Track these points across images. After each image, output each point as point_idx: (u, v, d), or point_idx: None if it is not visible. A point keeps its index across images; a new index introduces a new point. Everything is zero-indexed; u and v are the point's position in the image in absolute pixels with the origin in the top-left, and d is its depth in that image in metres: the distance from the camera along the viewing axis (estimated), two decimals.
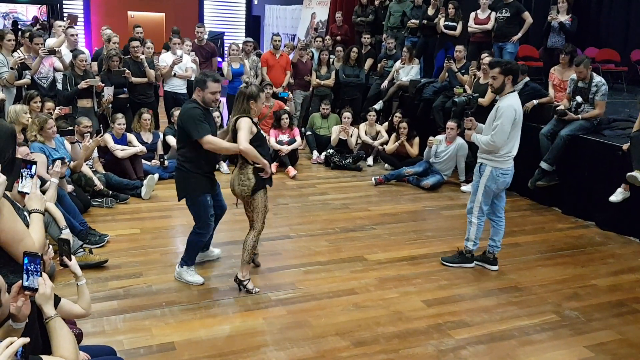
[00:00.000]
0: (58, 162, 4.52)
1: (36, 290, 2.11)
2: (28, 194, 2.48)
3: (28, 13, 18.85)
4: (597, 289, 4.68)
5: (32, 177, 2.51)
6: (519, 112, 4.58)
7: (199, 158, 4.32)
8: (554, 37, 8.38)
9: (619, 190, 5.62)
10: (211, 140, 4.21)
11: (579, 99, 6.30)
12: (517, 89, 6.84)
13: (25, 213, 2.38)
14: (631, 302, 4.46)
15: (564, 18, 8.23)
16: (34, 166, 2.54)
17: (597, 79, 6.29)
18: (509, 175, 4.72)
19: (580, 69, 6.20)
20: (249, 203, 4.30)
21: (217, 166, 7.78)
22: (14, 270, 2.20)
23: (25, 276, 2.09)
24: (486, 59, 7.16)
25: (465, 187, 7.33)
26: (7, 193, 2.34)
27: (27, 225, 2.31)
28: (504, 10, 8.34)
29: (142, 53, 8.26)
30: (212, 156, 4.39)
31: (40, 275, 2.12)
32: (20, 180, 2.49)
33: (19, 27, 15.72)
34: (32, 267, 2.10)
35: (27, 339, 1.78)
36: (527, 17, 8.30)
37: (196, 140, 4.19)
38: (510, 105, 4.54)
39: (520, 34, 8.34)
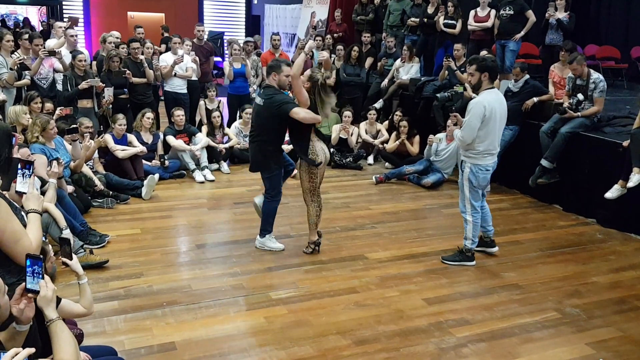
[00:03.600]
0: (54, 163, 4.51)
1: (38, 292, 2.09)
2: (25, 193, 2.48)
3: (28, 14, 18.85)
4: (598, 286, 4.67)
5: (29, 177, 2.51)
6: (489, 109, 4.56)
7: (279, 138, 4.97)
8: (552, 34, 8.37)
9: (615, 186, 5.60)
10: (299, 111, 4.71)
11: (580, 96, 6.29)
12: (518, 86, 6.90)
13: (23, 213, 2.38)
14: (632, 299, 4.45)
15: (561, 15, 8.21)
16: (31, 166, 2.54)
17: (595, 75, 6.28)
18: (489, 172, 4.81)
19: (574, 66, 6.20)
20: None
21: (218, 166, 7.80)
22: (10, 271, 2.19)
23: (27, 278, 2.08)
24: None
25: None
26: (5, 193, 2.34)
27: (25, 225, 2.30)
28: (507, 8, 8.31)
29: (142, 54, 8.26)
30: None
31: (42, 278, 2.11)
32: (18, 180, 2.49)
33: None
34: (34, 269, 2.09)
35: (32, 350, 1.77)
36: (531, 15, 8.28)
37: (280, 122, 4.78)
38: (480, 102, 4.57)
39: (523, 32, 8.32)
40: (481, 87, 4.67)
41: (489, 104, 4.57)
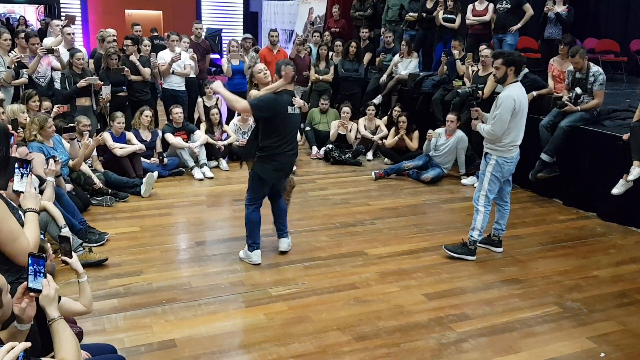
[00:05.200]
0: (51, 161, 4.51)
1: (40, 291, 2.08)
2: (23, 192, 2.47)
3: (26, 13, 18.80)
4: (599, 280, 4.67)
5: (27, 176, 2.50)
6: (518, 102, 4.62)
7: None
8: (551, 28, 8.34)
9: (621, 181, 5.57)
10: None
11: (578, 90, 6.28)
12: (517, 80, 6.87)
13: (20, 212, 2.37)
14: (633, 293, 4.44)
15: (560, 9, 8.19)
16: (29, 165, 2.52)
17: (595, 68, 6.26)
18: (513, 163, 4.86)
19: (576, 59, 6.17)
20: None
21: (217, 163, 7.79)
22: (8, 270, 2.18)
23: (29, 277, 2.07)
24: (484, 51, 7.14)
25: (465, 180, 7.32)
26: (2, 192, 2.33)
27: (22, 225, 2.29)
28: (504, 2, 8.29)
29: (139, 51, 8.24)
30: None
31: (45, 277, 2.10)
32: (15, 179, 2.48)
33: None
34: (36, 268, 2.08)
35: (28, 344, 1.76)
36: (528, 8, 8.26)
37: None
38: (509, 95, 4.61)
39: (519, 25, 8.29)
40: (507, 80, 4.70)
41: (518, 97, 4.63)
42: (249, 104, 4.52)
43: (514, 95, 4.61)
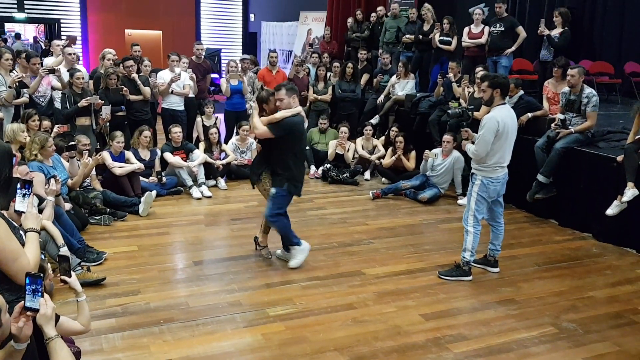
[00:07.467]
0: (52, 180, 4.54)
1: (37, 310, 2.11)
2: (24, 212, 2.50)
3: (26, 32, 18.96)
4: (595, 301, 4.69)
5: (28, 196, 2.54)
6: (502, 124, 4.69)
7: None
8: (544, 49, 8.45)
9: (615, 202, 5.63)
10: None
11: (560, 116, 6.39)
12: (512, 102, 6.95)
13: (21, 232, 2.40)
14: (629, 314, 4.46)
15: (555, 32, 8.30)
16: (30, 186, 2.56)
17: (588, 90, 6.34)
18: (500, 183, 4.89)
19: (573, 72, 6.24)
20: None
21: (216, 182, 7.82)
22: (9, 289, 2.20)
23: (27, 296, 2.10)
24: (480, 73, 7.23)
25: (462, 201, 7.34)
26: (4, 212, 2.36)
27: (23, 244, 2.32)
28: (498, 25, 8.43)
29: (139, 71, 8.30)
30: None
31: (42, 296, 2.12)
32: (17, 199, 2.52)
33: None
34: (33, 287, 2.10)
35: None
36: (521, 31, 8.39)
37: None
38: (493, 117, 4.70)
39: (513, 48, 8.43)
40: (493, 102, 4.80)
41: (502, 119, 4.71)
42: None
43: (498, 117, 4.70)
